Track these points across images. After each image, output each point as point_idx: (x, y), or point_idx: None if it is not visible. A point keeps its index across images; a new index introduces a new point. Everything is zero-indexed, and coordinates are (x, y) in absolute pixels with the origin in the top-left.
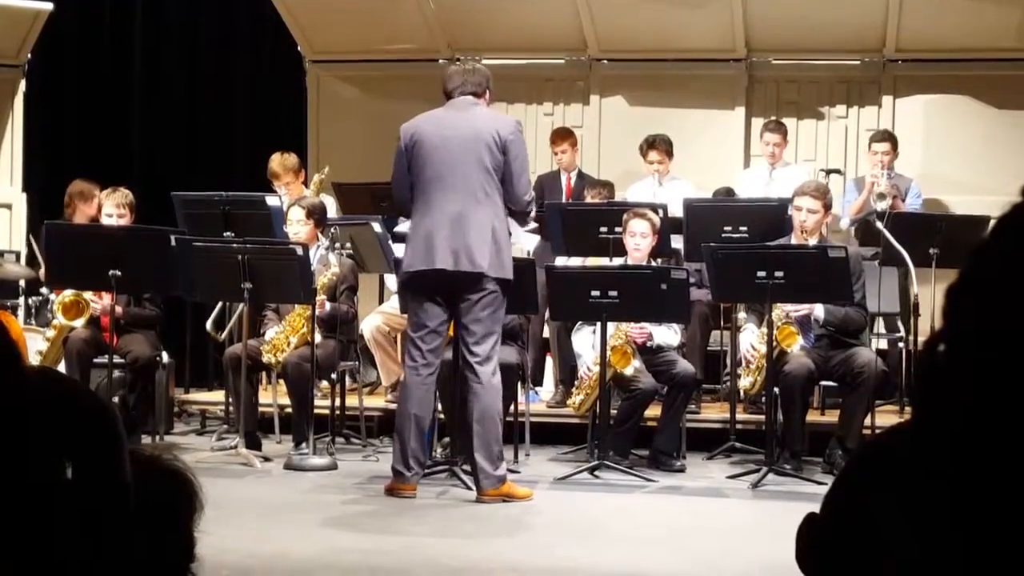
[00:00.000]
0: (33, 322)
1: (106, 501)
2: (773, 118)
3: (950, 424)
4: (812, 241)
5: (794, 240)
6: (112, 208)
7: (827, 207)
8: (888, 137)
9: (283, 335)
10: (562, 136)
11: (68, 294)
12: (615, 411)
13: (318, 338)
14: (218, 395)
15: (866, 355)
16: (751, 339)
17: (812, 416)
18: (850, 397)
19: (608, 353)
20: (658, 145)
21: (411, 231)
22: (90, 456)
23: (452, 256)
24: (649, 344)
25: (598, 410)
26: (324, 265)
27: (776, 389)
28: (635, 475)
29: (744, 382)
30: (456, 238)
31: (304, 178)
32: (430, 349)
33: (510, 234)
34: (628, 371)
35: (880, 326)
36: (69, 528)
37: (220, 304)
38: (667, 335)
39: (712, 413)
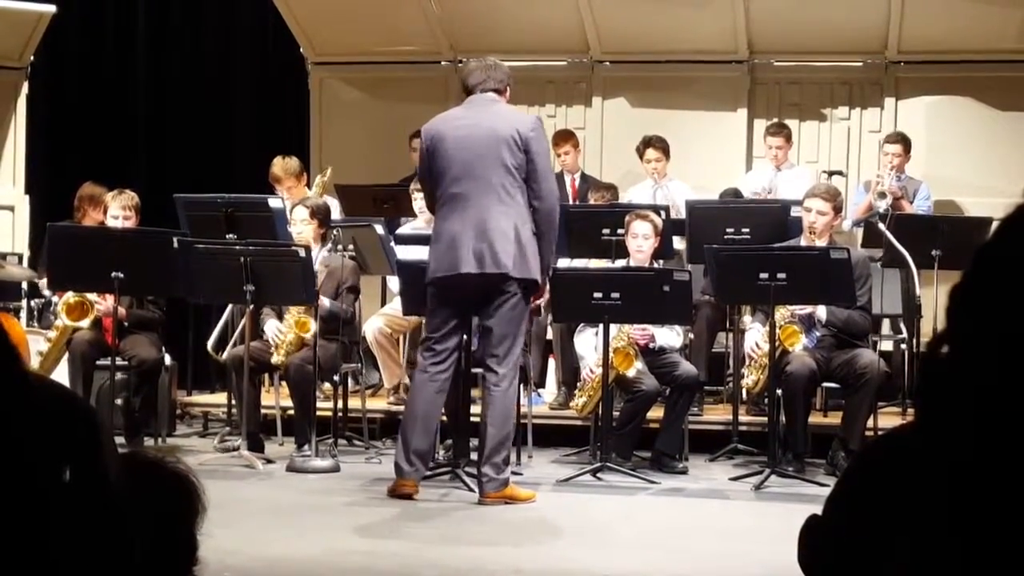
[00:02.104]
0: (36, 324)
1: (91, 501)
2: (776, 120)
3: (953, 425)
4: (821, 243)
5: (803, 242)
6: (118, 210)
7: (837, 209)
8: (900, 139)
9: (284, 335)
10: (564, 138)
11: (72, 295)
12: (617, 413)
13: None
14: (220, 397)
15: (868, 356)
16: (756, 337)
17: (814, 418)
18: (852, 399)
19: (610, 355)
20: (655, 143)
21: (435, 234)
22: (73, 457)
23: (476, 260)
24: (651, 346)
25: (600, 412)
26: (326, 266)
27: (778, 390)
28: (637, 477)
29: (747, 380)
30: (480, 241)
31: (306, 180)
32: (445, 348)
33: (535, 234)
34: (631, 373)
35: (883, 328)
36: (63, 530)
37: (221, 323)
38: (669, 336)
39: (714, 415)
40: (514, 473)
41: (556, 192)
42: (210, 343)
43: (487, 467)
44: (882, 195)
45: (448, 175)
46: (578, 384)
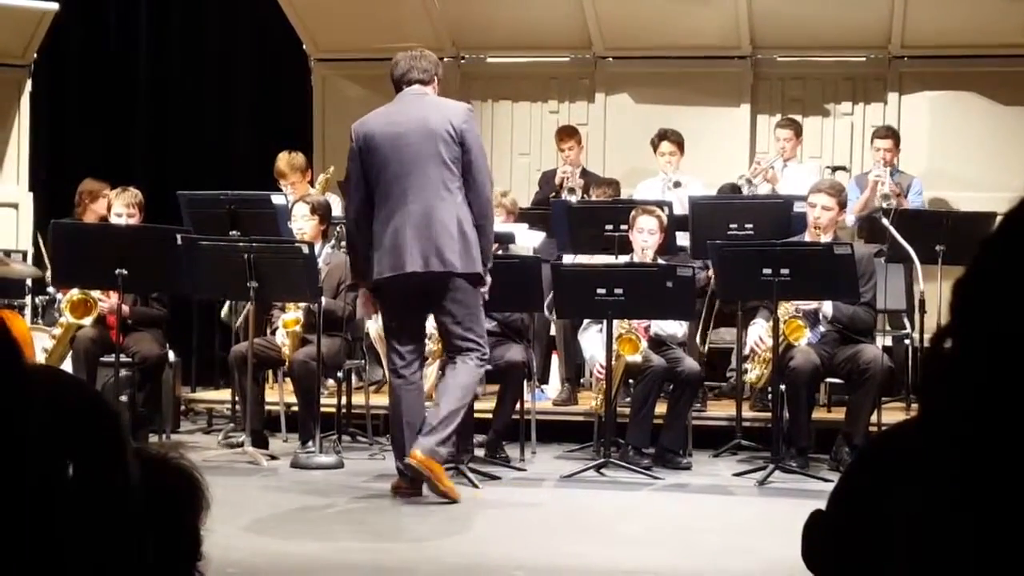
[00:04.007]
0: (40, 321)
1: (108, 503)
2: (787, 116)
3: (958, 419)
4: (825, 238)
5: (807, 237)
6: (121, 208)
7: (842, 205)
8: (890, 133)
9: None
10: (569, 134)
11: (76, 292)
12: (628, 408)
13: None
14: (225, 393)
15: (872, 351)
16: (759, 332)
17: (819, 413)
18: (856, 394)
19: (616, 347)
20: (670, 137)
21: (377, 234)
22: (91, 457)
23: (422, 258)
24: (650, 334)
25: (613, 406)
26: (327, 264)
27: (782, 385)
28: (641, 472)
29: (751, 375)
30: (424, 239)
31: (310, 177)
32: (410, 351)
33: (476, 226)
34: (637, 358)
35: (887, 323)
36: (72, 530)
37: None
38: (667, 323)
39: (718, 410)
40: (517, 468)
41: (490, 183)
42: (224, 310)
43: (431, 435)
44: (886, 197)
45: (385, 174)
46: (592, 383)
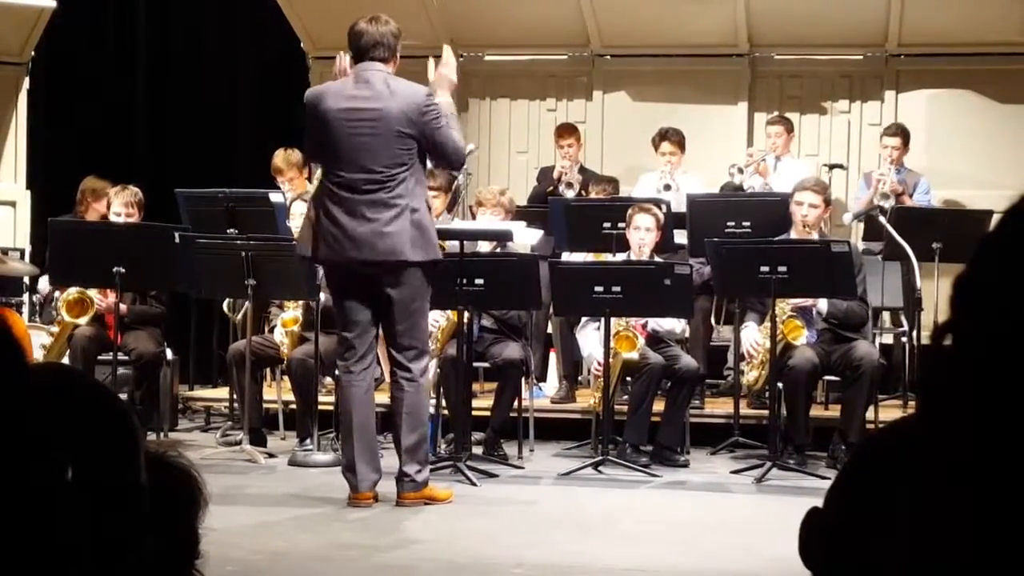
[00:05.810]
0: (37, 319)
1: (119, 501)
2: (777, 113)
3: (957, 416)
4: (813, 235)
5: (795, 235)
6: (121, 207)
7: (827, 202)
8: (899, 132)
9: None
10: (569, 131)
11: (72, 291)
12: (625, 405)
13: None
14: (223, 392)
15: (864, 348)
16: (754, 335)
17: (816, 411)
18: (850, 391)
19: (614, 344)
20: (671, 136)
21: (318, 214)
22: (104, 458)
23: (368, 244)
24: (648, 331)
25: (611, 404)
26: None
27: (780, 384)
28: (639, 470)
29: (749, 377)
30: (372, 224)
31: (308, 174)
32: (363, 343)
33: (430, 209)
34: (635, 355)
35: (884, 320)
36: (78, 529)
37: None
38: (666, 320)
39: (716, 408)
40: (515, 467)
41: (462, 149)
42: (225, 304)
43: (406, 467)
44: (885, 196)
45: (335, 157)
46: (579, 378)
